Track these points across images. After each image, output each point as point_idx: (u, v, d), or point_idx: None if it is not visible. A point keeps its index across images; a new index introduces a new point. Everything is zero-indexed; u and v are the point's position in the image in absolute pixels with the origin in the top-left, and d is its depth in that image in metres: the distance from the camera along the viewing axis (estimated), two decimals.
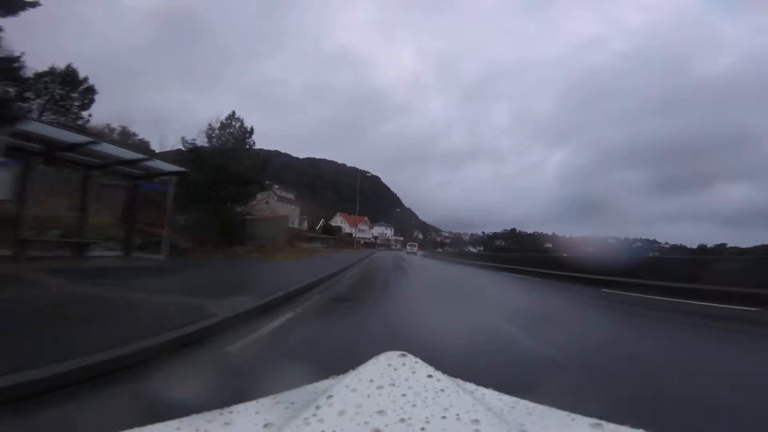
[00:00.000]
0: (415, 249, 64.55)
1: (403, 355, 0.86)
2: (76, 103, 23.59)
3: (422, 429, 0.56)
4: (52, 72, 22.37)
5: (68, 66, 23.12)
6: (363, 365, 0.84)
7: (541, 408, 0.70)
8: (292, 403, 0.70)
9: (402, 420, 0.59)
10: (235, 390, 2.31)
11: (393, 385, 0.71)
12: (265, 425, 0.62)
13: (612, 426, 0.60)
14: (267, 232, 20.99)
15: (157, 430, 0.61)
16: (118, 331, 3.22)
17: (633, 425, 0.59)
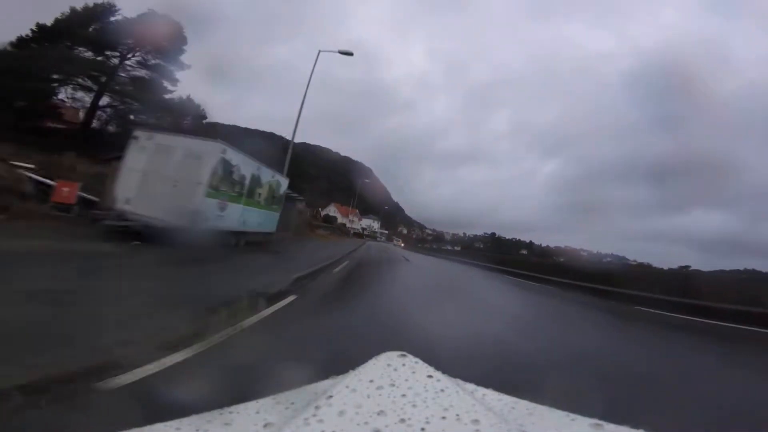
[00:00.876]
0: (400, 242, 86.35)
1: (403, 355, 0.86)
2: None
3: (422, 429, 0.56)
4: None
5: None
6: (363, 365, 0.83)
7: (541, 408, 0.70)
8: (292, 403, 0.70)
9: (402, 420, 0.59)
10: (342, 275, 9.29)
11: (393, 385, 0.71)
12: (265, 425, 0.62)
13: (612, 426, 0.60)
14: (294, 218, 22.36)
15: (156, 430, 0.60)
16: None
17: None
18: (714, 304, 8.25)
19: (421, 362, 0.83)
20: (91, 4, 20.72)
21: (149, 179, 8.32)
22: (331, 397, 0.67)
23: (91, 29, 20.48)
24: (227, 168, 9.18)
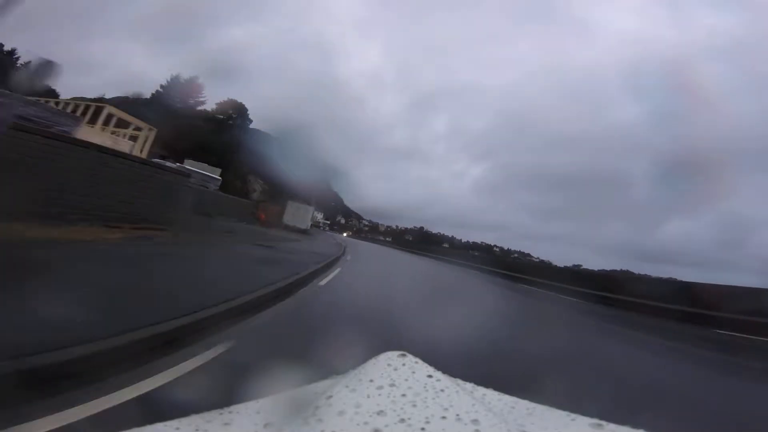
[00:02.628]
0: (349, 233, 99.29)
1: (403, 355, 0.85)
2: None
3: (422, 429, 0.56)
4: None
5: None
6: (363, 365, 0.83)
7: (541, 408, 0.70)
8: (292, 403, 0.69)
9: (402, 420, 0.58)
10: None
11: (393, 385, 0.71)
12: (265, 425, 0.61)
13: (612, 426, 0.60)
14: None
15: (156, 430, 0.59)
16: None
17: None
18: (587, 290, 12.04)
19: (421, 362, 0.83)
20: None
21: (295, 213, 25.90)
22: (330, 397, 0.67)
23: None
24: (309, 212, 28.02)
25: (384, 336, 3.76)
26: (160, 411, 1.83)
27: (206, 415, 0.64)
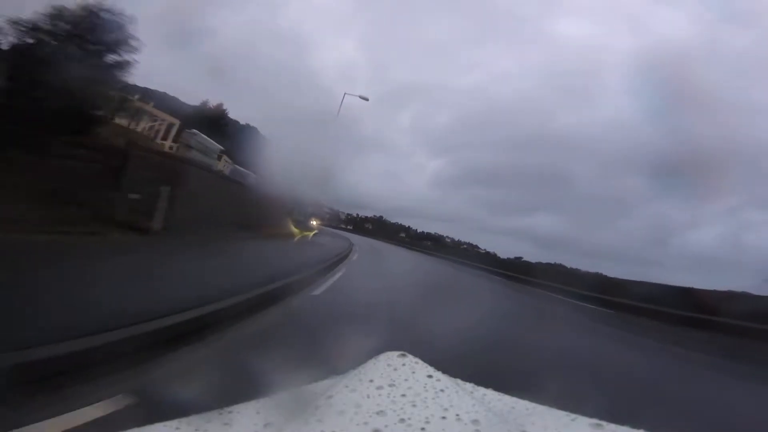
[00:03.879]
0: (318, 221, 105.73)
1: (403, 355, 0.85)
2: None
3: (422, 429, 0.56)
4: None
5: None
6: (362, 365, 0.82)
7: (541, 408, 0.70)
8: (292, 403, 0.68)
9: (402, 420, 0.58)
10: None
11: (393, 385, 0.71)
12: (265, 425, 0.61)
13: (612, 426, 0.60)
14: None
15: (156, 430, 0.59)
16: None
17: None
18: (519, 274, 16.17)
19: (420, 362, 0.82)
20: None
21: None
22: (330, 396, 0.66)
23: None
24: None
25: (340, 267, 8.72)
26: None
27: (206, 415, 0.63)
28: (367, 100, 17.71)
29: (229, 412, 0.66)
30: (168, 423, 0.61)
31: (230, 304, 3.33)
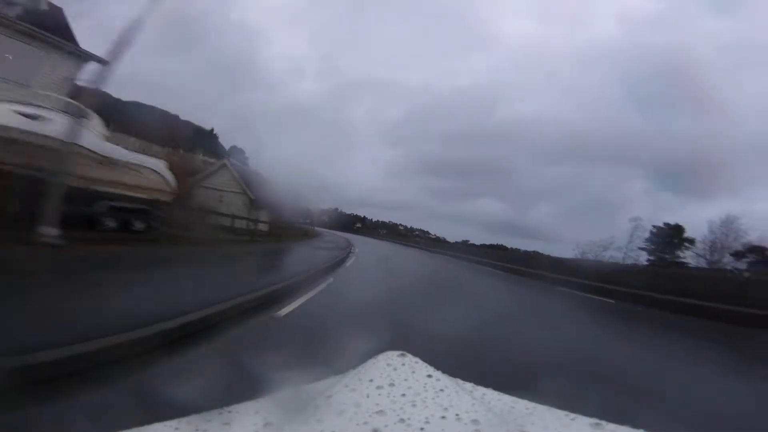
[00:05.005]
0: None
1: (403, 354, 0.85)
2: None
3: (422, 429, 0.56)
4: None
5: None
6: (362, 365, 0.82)
7: (540, 408, 0.70)
8: (292, 403, 0.67)
9: (401, 420, 0.58)
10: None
11: (392, 385, 0.70)
12: (265, 425, 0.60)
13: (612, 426, 0.60)
14: None
15: (156, 430, 0.59)
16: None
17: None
18: (461, 254, 24.22)
19: (420, 362, 0.82)
20: None
21: None
22: (330, 396, 0.66)
23: None
24: None
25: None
26: None
27: (206, 415, 0.63)
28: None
29: (229, 412, 0.65)
30: (168, 423, 0.61)
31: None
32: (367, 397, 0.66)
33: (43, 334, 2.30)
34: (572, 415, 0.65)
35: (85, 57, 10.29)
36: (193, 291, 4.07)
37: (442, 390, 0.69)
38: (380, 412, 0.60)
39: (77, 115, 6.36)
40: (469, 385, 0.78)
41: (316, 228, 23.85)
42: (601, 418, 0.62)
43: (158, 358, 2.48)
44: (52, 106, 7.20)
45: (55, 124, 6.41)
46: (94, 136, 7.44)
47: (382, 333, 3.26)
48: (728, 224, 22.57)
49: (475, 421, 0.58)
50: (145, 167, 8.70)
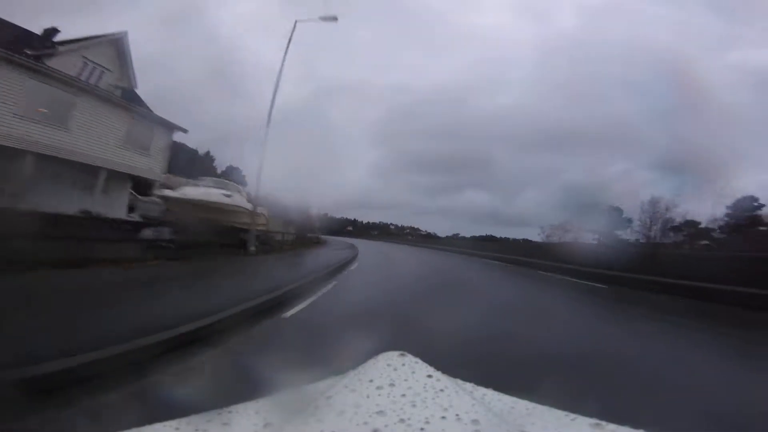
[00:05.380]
0: None
1: (403, 355, 0.85)
2: None
3: (422, 429, 0.56)
4: None
5: None
6: (362, 365, 0.81)
7: (540, 408, 0.70)
8: (292, 403, 0.68)
9: (401, 420, 0.58)
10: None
11: (392, 385, 0.70)
12: (265, 425, 0.60)
13: (612, 426, 0.60)
14: None
15: (155, 430, 0.59)
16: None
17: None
18: (454, 248, 29.21)
19: (420, 362, 0.82)
20: None
21: None
22: (330, 397, 0.66)
23: None
24: None
25: None
26: None
27: (206, 415, 0.63)
28: (335, 20, 12.93)
29: (229, 412, 0.65)
30: (168, 423, 0.61)
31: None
32: (367, 397, 0.66)
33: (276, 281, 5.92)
34: (572, 415, 0.65)
35: (169, 125, 15.15)
36: (315, 262, 10.35)
37: (442, 390, 0.69)
38: (380, 413, 0.60)
39: (239, 191, 13.84)
40: (469, 386, 0.78)
41: (320, 235, 25.94)
42: (601, 417, 0.62)
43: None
44: (231, 187, 13.92)
45: (234, 198, 12.94)
46: (246, 200, 13.61)
47: (405, 280, 8.62)
48: (654, 204, 26.29)
49: (475, 422, 0.58)
50: (263, 214, 14.46)
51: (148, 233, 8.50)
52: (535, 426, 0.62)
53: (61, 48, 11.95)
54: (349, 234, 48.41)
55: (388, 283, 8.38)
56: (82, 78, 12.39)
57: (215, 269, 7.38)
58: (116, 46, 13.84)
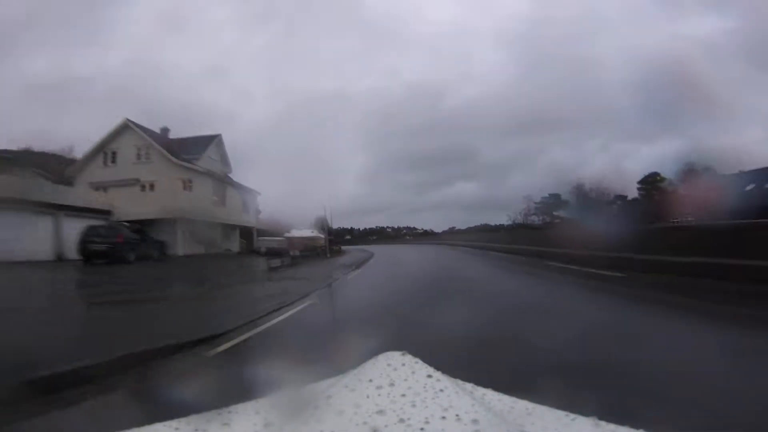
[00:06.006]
0: None
1: (403, 354, 0.84)
2: None
3: (422, 429, 0.55)
4: None
5: None
6: (362, 365, 0.81)
7: (540, 408, 0.69)
8: (292, 403, 0.68)
9: (401, 420, 0.58)
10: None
11: (392, 385, 0.70)
12: (265, 425, 0.60)
13: (612, 426, 0.60)
14: None
15: (156, 430, 0.60)
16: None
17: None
18: (453, 241, 32.38)
19: (420, 362, 0.82)
20: None
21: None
22: (330, 396, 0.66)
23: None
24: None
25: None
26: None
27: (206, 415, 0.64)
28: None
29: (229, 412, 0.65)
30: (168, 423, 0.61)
31: None
32: (367, 397, 0.66)
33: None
34: (572, 415, 0.65)
35: (254, 192, 23.25)
36: (357, 256, 21.12)
37: (442, 390, 0.69)
38: (380, 412, 0.60)
39: (315, 231, 25.54)
40: (469, 386, 0.78)
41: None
42: (600, 417, 0.61)
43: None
44: (315, 230, 25.38)
45: (315, 234, 25.12)
46: (319, 234, 25.33)
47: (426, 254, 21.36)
48: (580, 188, 30.84)
49: (475, 422, 0.58)
50: (321, 236, 24.84)
51: (276, 262, 14.14)
52: (535, 426, 0.62)
53: (203, 154, 20.16)
54: (349, 242, 50.70)
55: (394, 257, 19.94)
56: (212, 170, 20.51)
57: (319, 263, 16.50)
58: (217, 144, 21.86)
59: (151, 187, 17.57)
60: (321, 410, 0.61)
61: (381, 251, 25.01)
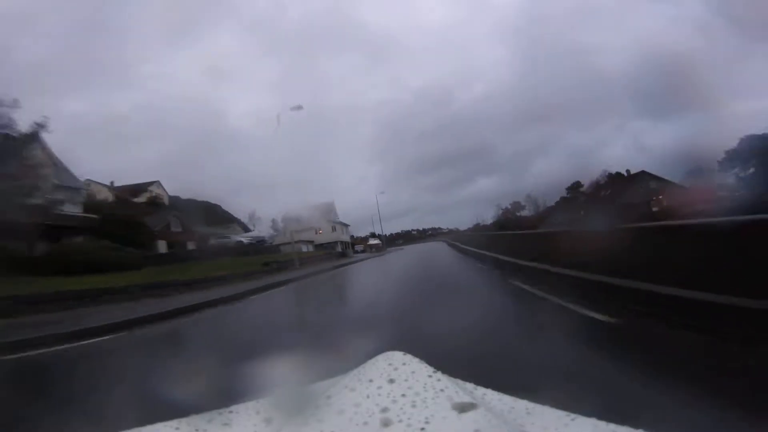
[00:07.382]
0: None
1: (403, 355, 0.84)
2: None
3: (422, 429, 0.55)
4: None
5: None
6: (362, 365, 0.81)
7: (540, 408, 0.69)
8: (292, 403, 0.68)
9: (401, 420, 0.58)
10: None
11: (392, 384, 0.70)
12: (266, 425, 0.61)
13: (612, 426, 0.59)
14: None
15: (156, 430, 0.60)
16: None
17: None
18: (451, 240, 41.80)
19: (421, 362, 0.81)
20: None
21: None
22: (330, 396, 0.66)
23: None
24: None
25: None
26: None
27: (206, 415, 0.64)
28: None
29: (229, 412, 0.65)
30: (168, 423, 0.61)
31: None
32: (367, 397, 0.66)
33: None
34: (572, 415, 0.64)
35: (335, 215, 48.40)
36: (401, 249, 53.68)
37: (442, 390, 0.68)
38: (380, 412, 0.60)
39: (379, 238, 57.14)
40: (469, 386, 0.78)
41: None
42: (600, 418, 0.61)
43: None
44: (377, 238, 57.65)
45: (377, 240, 56.30)
46: (378, 240, 56.73)
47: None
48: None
49: (475, 421, 0.58)
50: (380, 242, 54.92)
51: (362, 254, 41.30)
52: (535, 426, 0.61)
53: (334, 211, 48.88)
54: (374, 247, 58.43)
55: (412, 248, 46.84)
56: (337, 221, 48.35)
57: (379, 253, 41.27)
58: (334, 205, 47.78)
59: (320, 231, 42.91)
60: (321, 410, 0.61)
61: (406, 247, 45.95)
